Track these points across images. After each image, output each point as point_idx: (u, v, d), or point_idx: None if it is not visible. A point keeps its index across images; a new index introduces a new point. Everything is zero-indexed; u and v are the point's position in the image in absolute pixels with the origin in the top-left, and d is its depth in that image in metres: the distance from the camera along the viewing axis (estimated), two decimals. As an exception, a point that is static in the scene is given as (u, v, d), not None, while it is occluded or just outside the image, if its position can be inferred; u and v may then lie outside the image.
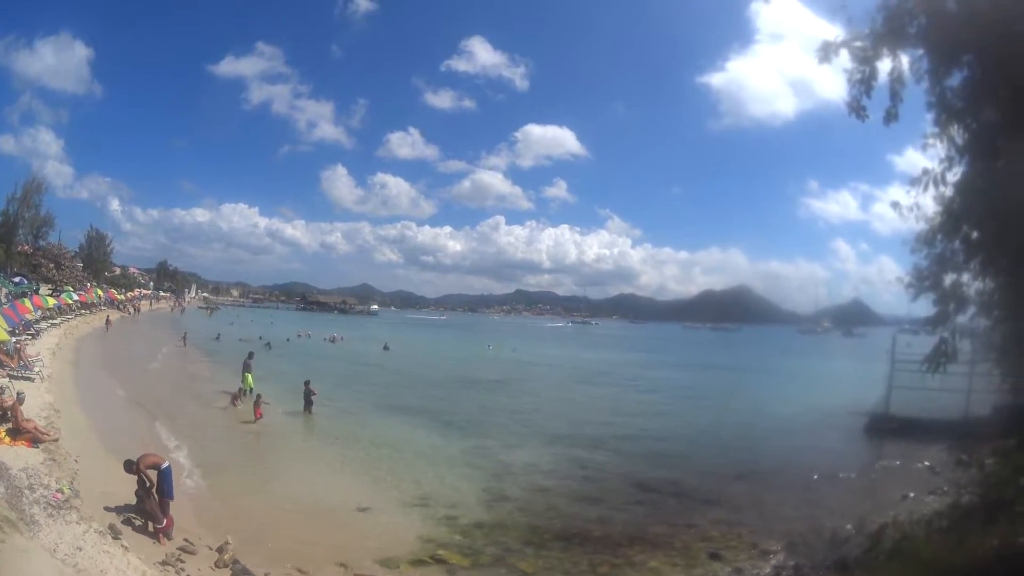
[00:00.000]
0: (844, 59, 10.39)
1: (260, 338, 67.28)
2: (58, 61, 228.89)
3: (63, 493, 14.13)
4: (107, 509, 14.06)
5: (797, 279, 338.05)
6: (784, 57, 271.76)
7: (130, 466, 14.31)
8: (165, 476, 14.26)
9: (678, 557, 14.06)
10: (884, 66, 10.15)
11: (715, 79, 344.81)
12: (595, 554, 14.21)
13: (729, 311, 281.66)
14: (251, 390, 30.44)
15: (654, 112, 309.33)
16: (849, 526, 14.25)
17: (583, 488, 19.72)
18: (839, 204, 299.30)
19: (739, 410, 36.69)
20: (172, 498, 14.31)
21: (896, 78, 9.99)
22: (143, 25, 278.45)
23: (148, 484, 13.98)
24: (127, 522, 13.83)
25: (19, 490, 13.51)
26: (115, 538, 12.58)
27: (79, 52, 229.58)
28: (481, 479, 20.22)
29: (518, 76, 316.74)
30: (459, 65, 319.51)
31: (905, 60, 10.03)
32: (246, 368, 32.71)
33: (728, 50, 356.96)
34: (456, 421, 30.32)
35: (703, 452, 25.61)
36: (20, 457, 15.99)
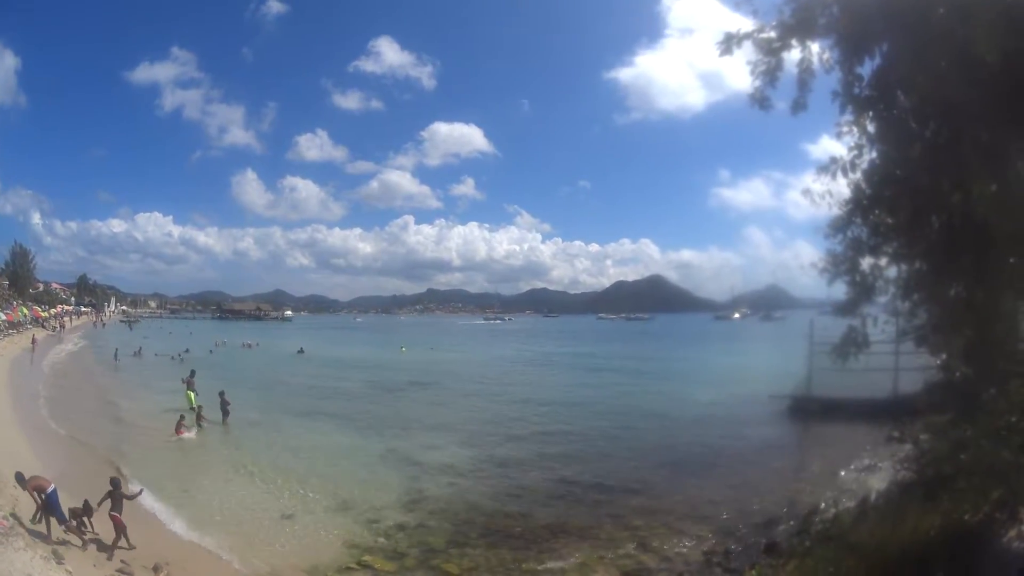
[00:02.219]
0: (748, 51, 10.30)
1: (186, 351, 66.12)
2: None
3: (8, 520, 13.86)
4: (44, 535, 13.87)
5: (711, 267, 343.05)
6: (694, 50, 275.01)
7: (21, 480, 14.27)
8: (51, 499, 13.94)
9: (603, 548, 14.04)
10: (792, 56, 10.10)
11: (623, 74, 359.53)
12: (519, 550, 14.17)
13: (643, 301, 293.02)
14: (193, 408, 29.96)
15: (562, 108, 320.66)
16: (783, 509, 14.81)
17: (503, 485, 19.55)
18: (751, 192, 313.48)
19: (655, 399, 36.34)
20: (63, 520, 13.96)
21: (805, 68, 9.95)
22: (68, 32, 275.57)
23: (36, 504, 14.06)
24: (67, 546, 13.70)
25: None
26: (59, 563, 12.55)
27: (7, 61, 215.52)
28: (401, 481, 20.00)
29: (425, 75, 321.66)
30: (367, 66, 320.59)
31: (815, 50, 10.00)
32: (189, 386, 32.33)
33: (636, 45, 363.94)
34: (373, 424, 29.96)
35: (623, 442, 25.39)
36: None
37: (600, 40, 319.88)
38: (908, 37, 8.98)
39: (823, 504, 13.37)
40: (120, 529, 14.20)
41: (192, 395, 31.85)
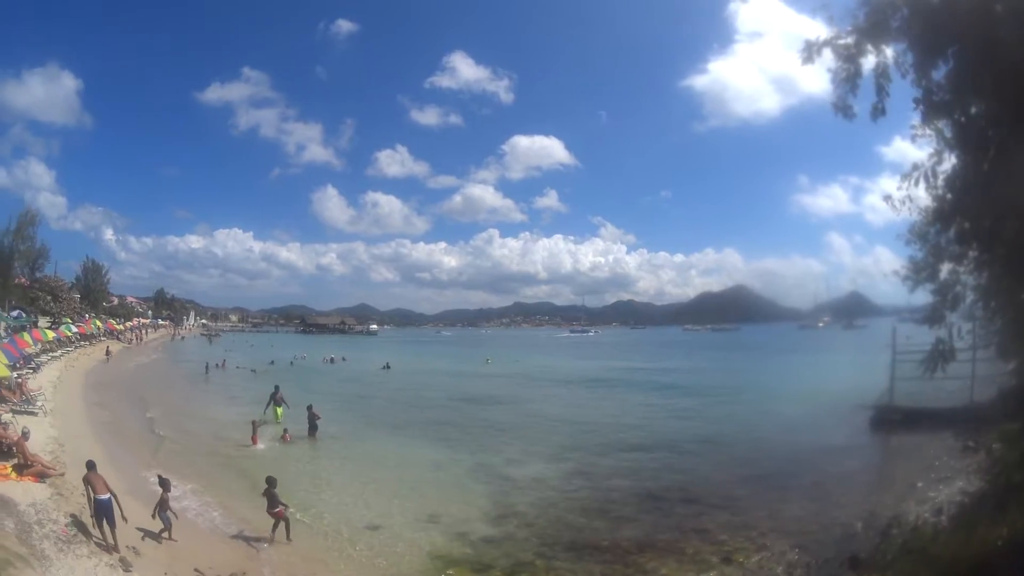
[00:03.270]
0: (827, 58, 10.76)
1: (271, 363, 70.96)
2: (47, 93, 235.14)
3: (71, 528, 14.42)
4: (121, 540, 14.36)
5: (793, 275, 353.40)
6: (765, 54, 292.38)
7: (91, 465, 15.27)
8: (100, 505, 14.41)
9: (689, 563, 14.34)
10: (868, 62, 10.43)
11: (697, 81, 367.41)
12: (606, 564, 14.50)
13: (728, 311, 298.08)
14: (279, 421, 31.39)
15: (639, 118, 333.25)
16: (864, 521, 14.70)
17: (591, 498, 19.96)
18: (830, 198, 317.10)
19: (742, 411, 37.25)
20: (112, 526, 14.35)
21: (881, 73, 10.25)
22: (131, 55, 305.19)
23: (88, 499, 14.70)
24: (137, 553, 14.18)
25: (28, 525, 13.76)
26: (126, 571, 12.97)
27: (68, 83, 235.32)
28: (489, 494, 20.57)
29: (502, 89, 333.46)
30: (443, 81, 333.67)
31: (890, 54, 10.30)
32: (277, 402, 33.25)
33: (708, 51, 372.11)
34: (461, 438, 30.83)
35: (709, 456, 25.92)
36: (28, 492, 16.25)
37: (672, 48, 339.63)
38: (977, 38, 9.13)
39: (902, 516, 13.49)
40: (281, 520, 16.29)
41: (280, 410, 32.96)
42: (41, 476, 17.92)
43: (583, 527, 17.14)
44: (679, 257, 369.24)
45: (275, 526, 16.43)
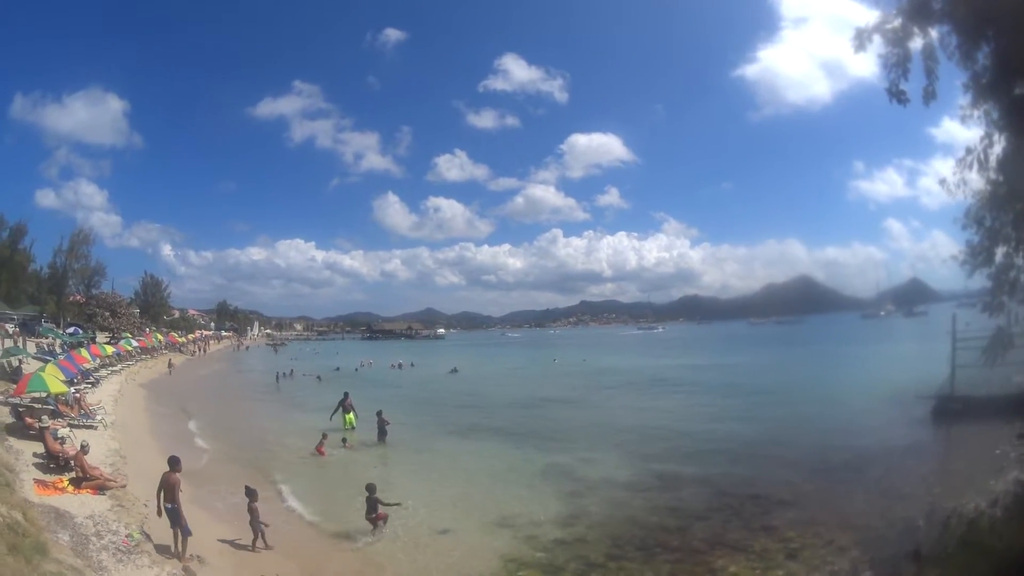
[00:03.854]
0: (876, 43, 10.95)
1: (336, 369, 72.84)
2: (92, 115, 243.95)
3: (132, 538, 14.67)
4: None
5: (855, 264, 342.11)
6: (811, 40, 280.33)
7: (175, 463, 15.66)
8: (169, 512, 14.87)
9: (757, 560, 14.60)
10: (916, 45, 10.64)
11: (749, 71, 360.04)
12: (676, 563, 14.78)
13: (793, 303, 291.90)
14: (348, 427, 31.90)
15: (694, 110, 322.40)
16: (925, 514, 14.59)
17: (661, 497, 20.27)
18: (886, 183, 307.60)
19: (808, 405, 37.36)
20: (188, 534, 14.79)
21: (929, 56, 10.47)
22: (177, 77, 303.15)
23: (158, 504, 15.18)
24: (202, 562, 14.41)
25: (85, 537, 14.03)
26: None
27: (113, 105, 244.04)
28: (559, 495, 20.91)
29: (556, 88, 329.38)
30: (496, 84, 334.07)
31: (935, 36, 10.51)
32: (346, 409, 33.62)
33: (756, 40, 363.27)
34: (530, 439, 31.26)
35: (776, 451, 26.12)
36: (86, 505, 16.60)
37: (720, 38, 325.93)
38: (1017, 21, 9.42)
39: (961, 508, 13.03)
40: (381, 522, 17.28)
41: (351, 416, 33.24)
42: (100, 488, 18.25)
43: (653, 526, 17.44)
44: (742, 249, 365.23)
45: (374, 530, 17.30)
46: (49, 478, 18.72)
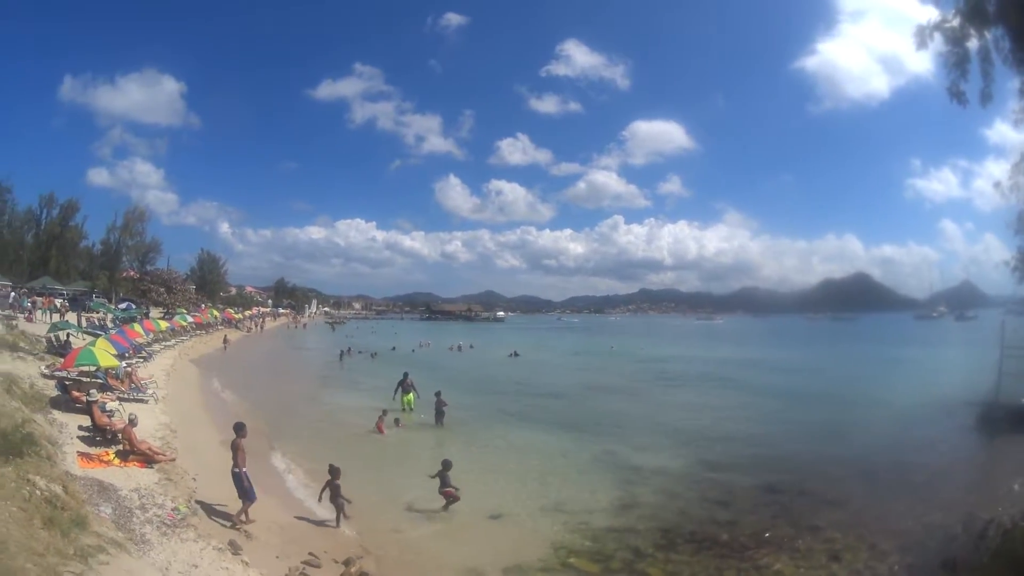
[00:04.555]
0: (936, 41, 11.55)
1: (393, 349, 74.77)
2: (147, 96, 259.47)
3: (179, 511, 14.70)
4: (225, 525, 15.03)
5: (910, 262, 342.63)
6: (869, 34, 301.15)
7: (240, 428, 16.50)
8: (235, 477, 15.73)
9: (801, 560, 14.87)
10: (973, 45, 11.14)
11: (808, 63, 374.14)
12: (723, 558, 15.03)
13: (849, 300, 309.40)
14: (406, 409, 32.37)
15: (755, 101, 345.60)
16: (959, 524, 15.09)
17: (712, 490, 20.66)
18: (941, 182, 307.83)
19: (859, 406, 38.04)
20: (251, 499, 15.62)
21: (985, 57, 10.86)
22: (235, 60, 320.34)
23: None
24: (249, 536, 14.51)
25: (129, 510, 14.05)
26: (235, 554, 13.12)
27: (169, 86, 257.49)
28: (612, 484, 21.32)
29: (618, 75, 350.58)
30: (559, 69, 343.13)
31: (989, 39, 10.97)
32: (405, 389, 33.93)
33: (815, 32, 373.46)
34: (586, 426, 31.89)
35: (826, 450, 26.50)
36: (132, 478, 16.72)
37: (779, 29, 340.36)
38: None
39: (999, 518, 13.68)
40: (451, 499, 17.96)
41: (410, 397, 33.63)
42: (149, 461, 18.42)
43: (703, 519, 17.78)
44: (801, 243, 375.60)
45: (446, 505, 18.01)
46: (94, 451, 18.87)
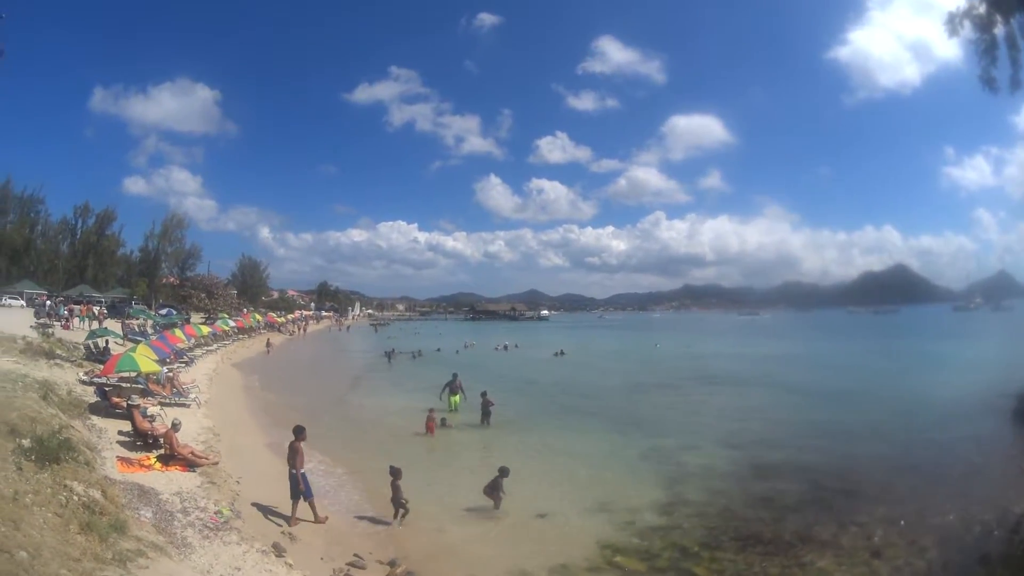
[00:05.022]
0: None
1: (438, 350, 74.72)
2: (181, 105, 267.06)
3: (222, 514, 14.86)
4: (277, 526, 15.49)
5: (947, 252, 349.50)
6: (897, 20, 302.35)
7: (299, 432, 16.89)
8: (290, 478, 16.36)
9: (844, 557, 14.87)
10: (1000, 31, 11.50)
11: (841, 53, 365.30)
12: (767, 556, 15.09)
13: (889, 292, 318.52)
14: (452, 410, 32.36)
15: (791, 92, 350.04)
16: (994, 519, 15.50)
17: (758, 488, 20.74)
18: (975, 170, 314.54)
19: (900, 400, 38.00)
20: (308, 498, 16.40)
21: (1012, 44, 11.30)
22: (267, 65, 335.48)
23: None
24: (293, 539, 14.61)
25: (170, 514, 14.21)
26: (279, 556, 13.21)
27: (203, 94, 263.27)
28: (658, 482, 21.43)
29: (654, 70, 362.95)
30: (595, 66, 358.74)
31: (1016, 25, 11.29)
32: (453, 390, 34.01)
33: (845, 21, 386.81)
34: (632, 424, 32.03)
35: (870, 445, 26.62)
36: (173, 482, 16.96)
37: (810, 19, 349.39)
38: None
39: None
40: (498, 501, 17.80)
41: (457, 398, 33.67)
42: (191, 465, 18.68)
43: (749, 517, 17.86)
44: (841, 235, 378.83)
45: (496, 504, 17.94)
46: (135, 455, 19.10)
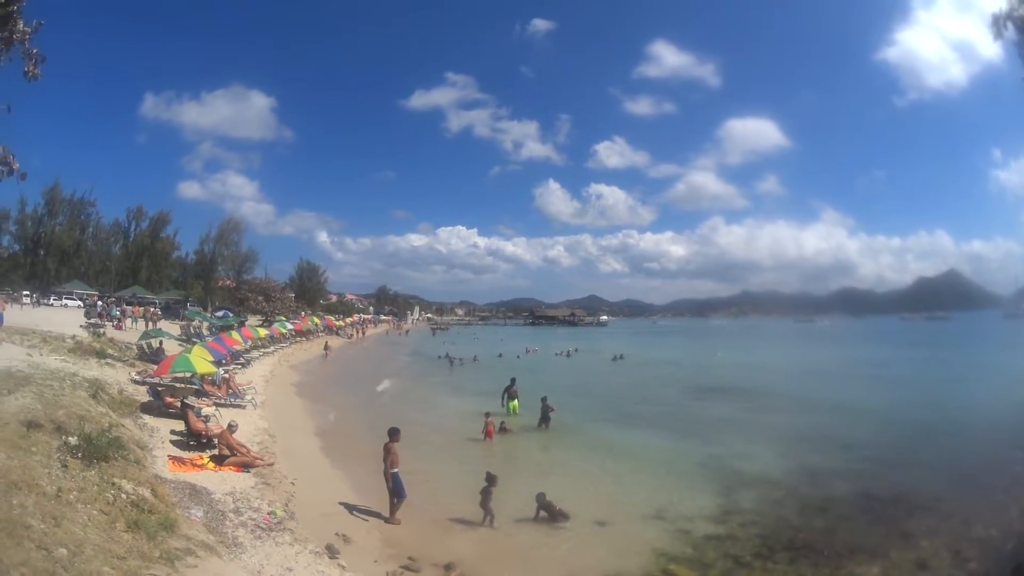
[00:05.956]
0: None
1: (499, 355, 74.92)
2: (235, 111, 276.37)
3: (275, 515, 14.90)
4: (327, 527, 15.30)
5: (997, 258, 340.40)
6: (941, 19, 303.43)
7: (394, 433, 17.66)
8: (386, 477, 17.07)
9: (892, 568, 15.03)
10: None
11: (890, 54, 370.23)
12: (818, 566, 15.25)
13: (943, 298, 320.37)
14: (510, 415, 32.51)
15: (844, 95, 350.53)
16: None
17: (812, 497, 20.92)
18: (1021, 173, 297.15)
19: (952, 410, 38.23)
20: (403, 497, 17.15)
21: None
22: (322, 73, 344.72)
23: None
24: (347, 541, 14.58)
25: (222, 514, 14.31)
26: (332, 557, 13.23)
27: (258, 101, 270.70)
28: (715, 490, 21.54)
29: (708, 73, 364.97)
30: (649, 71, 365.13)
31: None
32: (511, 395, 34.29)
33: (892, 21, 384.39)
34: (690, 430, 32.29)
35: (922, 455, 26.74)
36: (227, 482, 17.12)
37: (859, 20, 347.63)
38: None
39: None
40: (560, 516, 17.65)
41: (515, 403, 33.89)
42: (245, 466, 18.87)
43: (802, 527, 18.01)
44: (896, 240, 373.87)
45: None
46: (187, 455, 19.30)
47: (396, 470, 17.00)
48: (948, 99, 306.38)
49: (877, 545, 16.23)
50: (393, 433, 17.53)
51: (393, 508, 16.95)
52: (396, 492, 16.95)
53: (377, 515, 17.14)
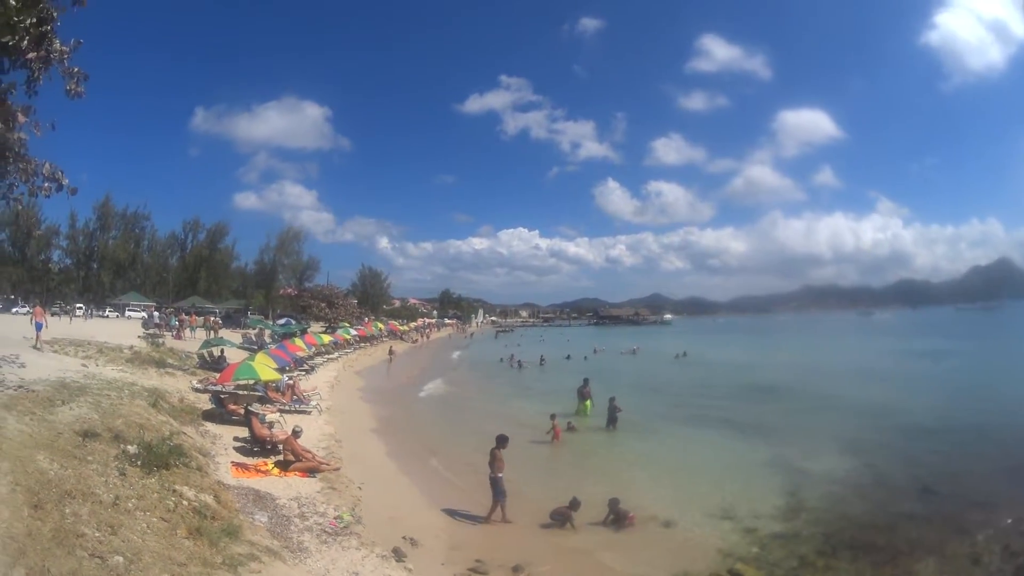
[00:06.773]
0: None
1: (567, 357, 74.53)
2: (290, 122, 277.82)
3: (341, 519, 14.93)
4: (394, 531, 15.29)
5: None
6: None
7: (502, 440, 18.55)
8: (491, 482, 17.76)
9: (947, 564, 15.08)
10: None
11: (932, 38, 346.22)
12: (878, 565, 15.32)
13: (997, 287, 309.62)
14: (583, 415, 33.08)
15: (891, 82, 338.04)
16: None
17: (875, 495, 21.06)
18: None
19: (1008, 401, 38.19)
20: (503, 499, 17.65)
21: None
22: (374, 81, 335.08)
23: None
24: (414, 544, 14.57)
25: (287, 519, 14.40)
26: (399, 561, 13.19)
27: (312, 112, 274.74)
28: (780, 489, 21.64)
29: (759, 66, 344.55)
30: (701, 65, 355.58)
31: None
32: (584, 396, 34.53)
33: (930, 4, 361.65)
34: (754, 428, 32.40)
35: (982, 450, 26.78)
36: (292, 487, 17.21)
37: (898, 4, 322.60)
38: None
39: None
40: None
41: (588, 404, 34.13)
42: (311, 471, 18.92)
43: (865, 524, 18.15)
44: (949, 229, 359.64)
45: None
46: (251, 461, 19.45)
47: (501, 475, 17.57)
48: (989, 82, 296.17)
49: (934, 541, 16.46)
50: (502, 440, 18.34)
51: (503, 510, 17.52)
52: (498, 495, 17.48)
53: (454, 517, 17.60)
